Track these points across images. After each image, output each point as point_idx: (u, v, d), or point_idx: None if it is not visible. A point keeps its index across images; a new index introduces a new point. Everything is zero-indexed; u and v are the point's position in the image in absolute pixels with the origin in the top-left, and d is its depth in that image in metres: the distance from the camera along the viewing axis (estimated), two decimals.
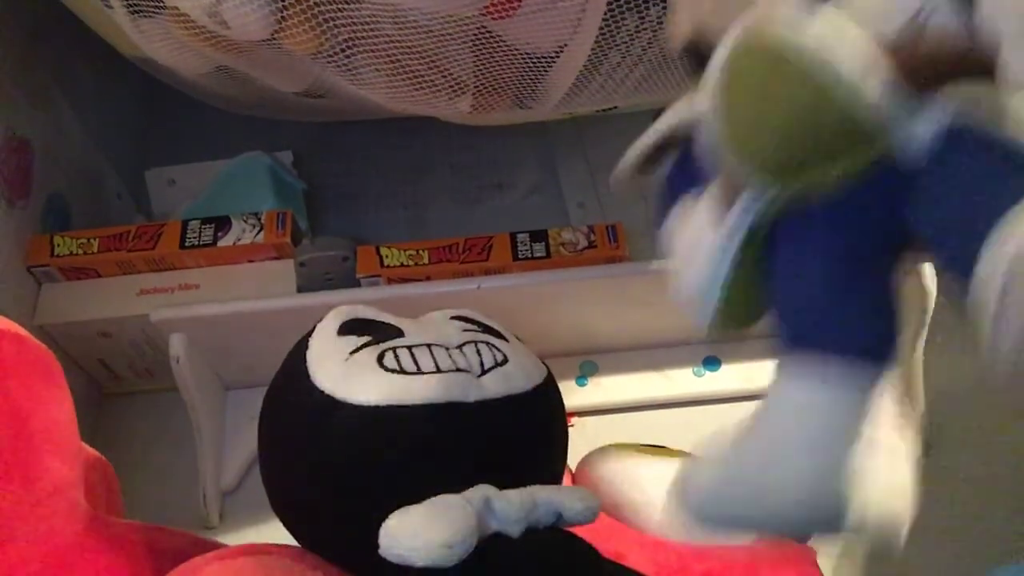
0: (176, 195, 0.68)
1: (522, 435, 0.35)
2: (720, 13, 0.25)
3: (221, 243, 0.56)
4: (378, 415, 0.32)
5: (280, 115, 0.64)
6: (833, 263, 0.24)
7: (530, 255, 0.57)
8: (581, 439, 0.57)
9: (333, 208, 0.69)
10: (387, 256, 0.57)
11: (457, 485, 0.32)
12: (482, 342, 0.36)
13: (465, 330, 0.38)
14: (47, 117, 0.59)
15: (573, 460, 0.47)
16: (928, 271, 0.54)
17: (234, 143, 0.67)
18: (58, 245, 0.55)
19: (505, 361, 0.36)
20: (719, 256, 0.25)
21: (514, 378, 0.35)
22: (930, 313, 0.56)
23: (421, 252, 0.57)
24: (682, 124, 0.28)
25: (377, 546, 0.30)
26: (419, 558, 0.29)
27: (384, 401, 0.32)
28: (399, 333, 0.36)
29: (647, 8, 0.40)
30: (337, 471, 0.32)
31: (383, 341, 0.35)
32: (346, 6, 0.41)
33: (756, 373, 0.59)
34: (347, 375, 0.33)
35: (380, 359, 0.34)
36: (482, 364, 0.35)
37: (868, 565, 0.53)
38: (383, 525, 0.30)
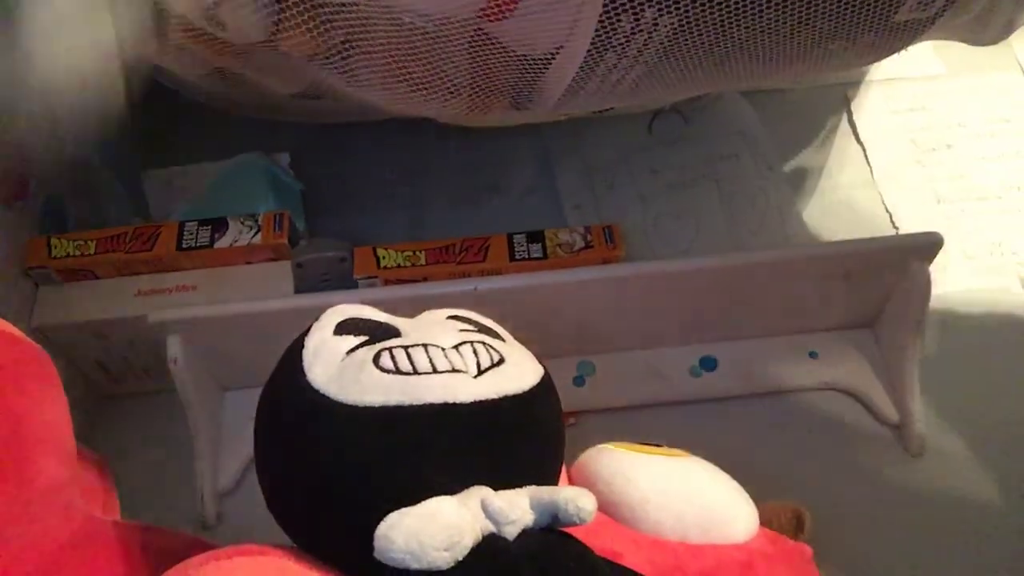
0: (173, 196, 0.68)
1: (519, 436, 0.35)
2: None
3: (218, 244, 0.56)
4: (374, 416, 0.32)
5: (277, 116, 0.64)
6: None
7: (527, 256, 0.57)
8: (578, 439, 0.58)
9: (330, 209, 0.69)
10: (384, 257, 0.57)
11: (453, 486, 0.32)
12: (479, 342, 0.36)
13: (462, 330, 0.38)
14: (44, 118, 0.59)
15: (570, 460, 0.47)
16: (920, 272, 0.54)
17: (231, 145, 0.68)
18: (55, 247, 0.55)
19: (502, 361, 0.36)
20: None
21: (511, 378, 0.35)
22: (925, 318, 0.56)
23: (418, 253, 0.57)
24: None
25: (373, 548, 0.30)
26: (415, 561, 0.29)
27: (380, 402, 0.32)
28: (396, 333, 0.36)
29: (643, 10, 0.40)
30: (332, 472, 0.32)
31: (379, 341, 0.35)
32: (343, 8, 0.41)
33: (753, 373, 0.60)
34: (343, 375, 0.33)
35: (376, 359, 0.34)
36: (479, 364, 0.35)
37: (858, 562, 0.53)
38: (379, 528, 0.30)
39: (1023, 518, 0.55)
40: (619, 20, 0.41)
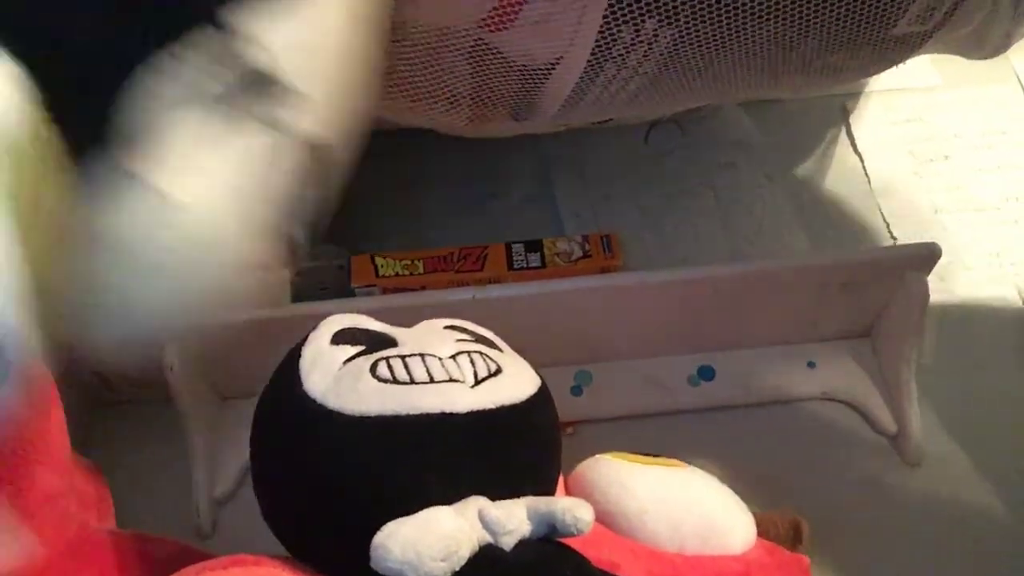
0: None
1: (515, 446, 0.35)
2: None
3: None
4: (371, 425, 0.32)
5: None
6: None
7: (525, 265, 0.57)
8: (576, 449, 0.57)
9: (328, 218, 0.69)
10: (382, 266, 0.57)
11: (450, 496, 0.32)
12: (476, 352, 0.36)
13: (459, 340, 0.38)
14: None
15: (568, 470, 0.47)
16: (918, 283, 0.55)
17: None
18: None
19: (499, 371, 0.36)
20: None
21: (508, 388, 0.35)
22: (922, 329, 0.56)
23: (416, 262, 0.57)
24: None
25: (369, 558, 0.30)
26: (412, 571, 0.29)
27: (377, 411, 0.32)
28: (392, 343, 0.36)
29: (643, 21, 0.40)
30: (328, 482, 0.32)
31: (376, 350, 0.35)
32: None
33: (751, 382, 0.60)
34: (339, 384, 0.33)
35: (373, 368, 0.34)
36: (476, 374, 0.35)
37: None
38: (375, 538, 0.30)
39: (1021, 527, 0.55)
40: (619, 31, 0.41)
